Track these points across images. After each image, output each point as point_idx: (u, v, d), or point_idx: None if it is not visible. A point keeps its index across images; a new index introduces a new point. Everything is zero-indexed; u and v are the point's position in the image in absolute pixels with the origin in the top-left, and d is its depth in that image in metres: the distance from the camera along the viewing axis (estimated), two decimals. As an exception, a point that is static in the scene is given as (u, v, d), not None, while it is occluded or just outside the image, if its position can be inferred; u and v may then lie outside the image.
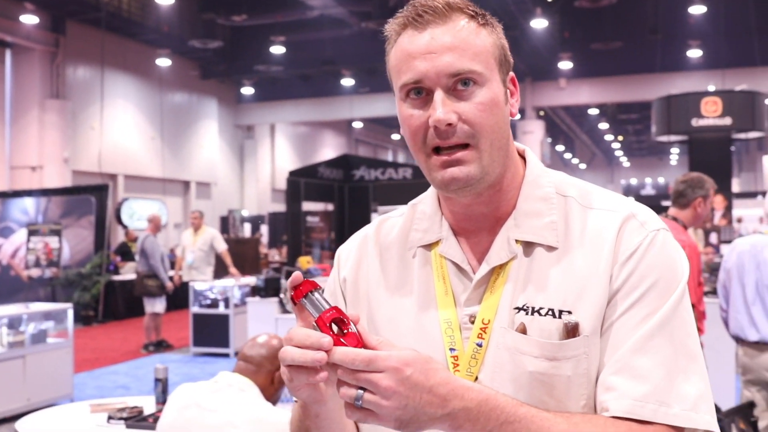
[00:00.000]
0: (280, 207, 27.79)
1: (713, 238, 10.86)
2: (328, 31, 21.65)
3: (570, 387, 1.15)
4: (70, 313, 7.79)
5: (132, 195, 22.65)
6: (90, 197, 14.03)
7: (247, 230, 25.20)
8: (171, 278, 10.70)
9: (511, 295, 1.19)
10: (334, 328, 1.05)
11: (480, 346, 1.19)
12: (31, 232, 13.55)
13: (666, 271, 1.16)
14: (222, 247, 11.17)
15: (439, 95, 1.15)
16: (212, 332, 10.16)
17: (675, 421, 1.10)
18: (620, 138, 41.77)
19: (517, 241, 1.21)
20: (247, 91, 27.87)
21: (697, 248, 4.58)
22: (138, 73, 23.14)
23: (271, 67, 23.89)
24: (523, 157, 1.30)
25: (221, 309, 10.15)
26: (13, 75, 19.75)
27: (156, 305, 10.40)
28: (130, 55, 22.62)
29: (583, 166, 48.95)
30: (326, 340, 1.02)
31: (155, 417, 3.78)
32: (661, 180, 48.14)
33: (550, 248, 1.20)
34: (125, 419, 3.91)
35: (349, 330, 1.05)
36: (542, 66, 24.72)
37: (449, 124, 1.14)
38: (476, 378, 1.18)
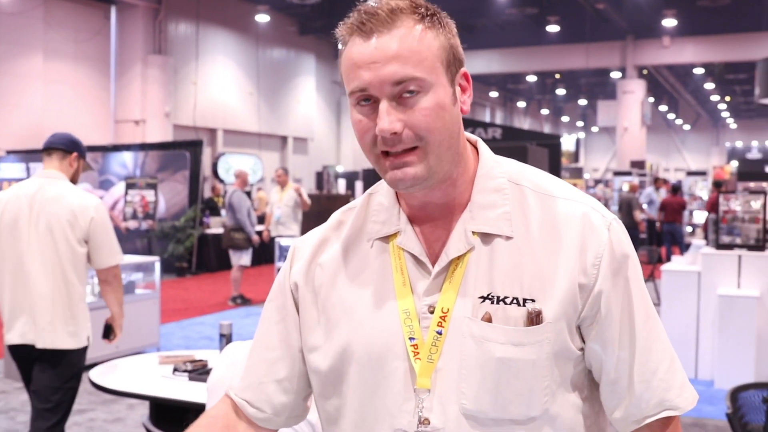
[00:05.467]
0: (375, 164, 27.87)
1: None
2: (424, -13, 21.46)
3: (535, 369, 1.19)
4: (158, 266, 8.12)
5: (229, 150, 23.18)
6: (185, 152, 14.46)
7: (341, 186, 25.28)
8: (259, 233, 10.92)
9: (473, 285, 1.21)
10: None
11: (440, 334, 1.21)
12: (129, 186, 14.09)
13: (633, 257, 1.24)
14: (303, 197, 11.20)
15: (383, 105, 1.17)
16: (296, 288, 10.32)
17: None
18: (727, 99, 40.14)
19: (474, 232, 1.23)
20: (345, 47, 27.89)
21: None
22: (236, 29, 23.53)
23: (368, 24, 23.85)
24: (476, 147, 1.32)
25: (305, 265, 10.29)
26: (117, 31, 20.42)
27: (242, 258, 10.68)
28: (229, 11, 23.02)
29: (687, 127, 47.32)
30: None
31: (216, 371, 3.94)
32: (768, 144, 46.15)
33: (507, 238, 1.22)
34: (189, 372, 4.11)
35: None
36: (645, 23, 23.92)
37: (395, 133, 1.16)
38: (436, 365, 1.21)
